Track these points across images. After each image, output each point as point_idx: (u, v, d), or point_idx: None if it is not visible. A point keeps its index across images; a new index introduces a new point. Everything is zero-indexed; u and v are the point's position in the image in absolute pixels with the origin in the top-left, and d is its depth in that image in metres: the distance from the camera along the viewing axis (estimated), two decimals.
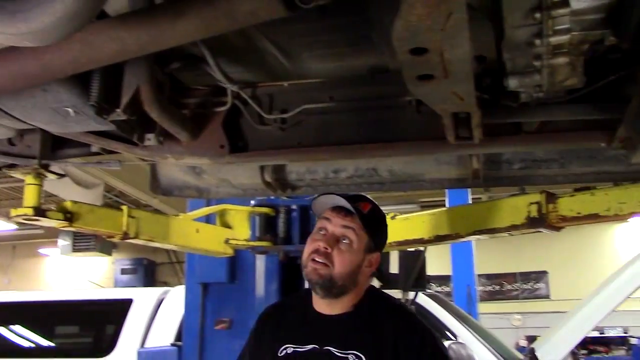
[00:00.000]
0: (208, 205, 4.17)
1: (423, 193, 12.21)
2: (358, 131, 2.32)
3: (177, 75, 2.37)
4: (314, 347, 1.92)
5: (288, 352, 1.94)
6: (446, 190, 8.50)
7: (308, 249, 1.95)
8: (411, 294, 4.27)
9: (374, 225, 1.99)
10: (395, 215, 3.33)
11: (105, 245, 13.54)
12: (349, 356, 1.87)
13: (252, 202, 4.06)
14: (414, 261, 4.12)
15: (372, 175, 2.82)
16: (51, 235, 15.26)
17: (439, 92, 1.71)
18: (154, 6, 1.65)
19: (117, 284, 14.25)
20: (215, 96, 2.38)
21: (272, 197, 4.02)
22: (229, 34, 1.98)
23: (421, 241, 3.21)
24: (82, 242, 13.61)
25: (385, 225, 2.09)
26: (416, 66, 1.53)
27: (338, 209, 1.97)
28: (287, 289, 4.06)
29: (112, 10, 1.74)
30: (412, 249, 4.11)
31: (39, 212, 2.56)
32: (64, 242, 13.75)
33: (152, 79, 1.99)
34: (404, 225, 3.28)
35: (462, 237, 3.17)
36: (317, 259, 1.91)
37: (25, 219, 2.57)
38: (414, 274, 4.07)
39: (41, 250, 16.46)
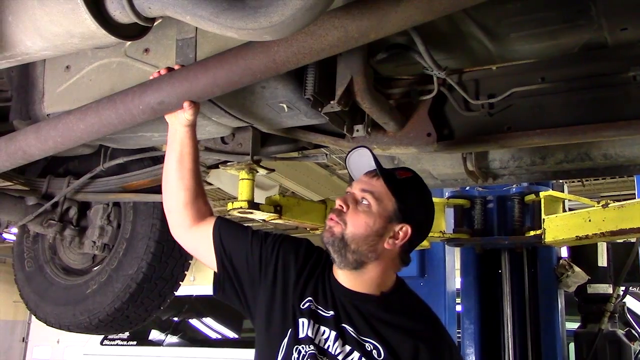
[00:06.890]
0: None
1: (603, 187, 11.37)
2: (573, 112, 2.19)
3: (376, 67, 2.38)
4: (333, 315, 1.77)
5: (311, 307, 1.79)
6: (635, 181, 7.64)
7: None
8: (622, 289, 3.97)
9: (407, 195, 1.80)
10: (607, 203, 3.10)
11: None
12: (367, 344, 1.71)
13: (447, 193, 4.00)
14: (625, 253, 3.83)
15: (583, 160, 2.65)
16: None
17: None
18: None
19: None
20: (420, 85, 2.36)
21: (467, 188, 3.94)
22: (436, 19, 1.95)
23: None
24: None
25: (427, 201, 1.88)
26: None
27: (371, 172, 1.84)
28: (485, 282, 3.95)
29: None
30: (621, 241, 3.82)
31: (253, 205, 2.70)
32: None
33: (365, 70, 2.02)
34: (618, 214, 3.04)
35: None
36: (331, 218, 1.79)
37: (240, 212, 2.71)
38: (627, 267, 3.78)
39: None
